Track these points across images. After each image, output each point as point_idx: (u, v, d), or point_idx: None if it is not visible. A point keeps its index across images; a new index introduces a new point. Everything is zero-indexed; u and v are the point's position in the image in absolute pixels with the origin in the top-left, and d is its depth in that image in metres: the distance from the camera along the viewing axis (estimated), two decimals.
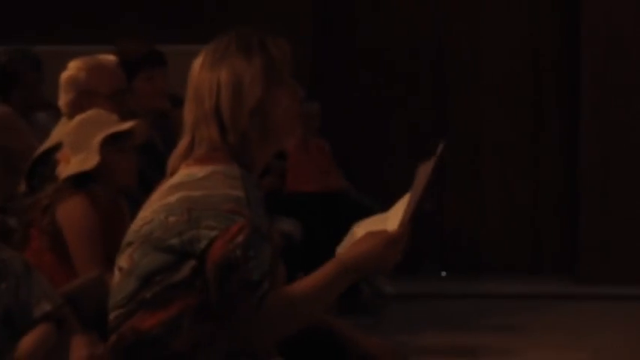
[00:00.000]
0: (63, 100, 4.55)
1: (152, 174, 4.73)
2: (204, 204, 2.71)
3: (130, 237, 2.83)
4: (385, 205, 3.02)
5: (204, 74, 2.85)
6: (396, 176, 7.38)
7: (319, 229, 6.31)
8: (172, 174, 2.87)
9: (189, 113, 2.87)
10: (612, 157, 7.31)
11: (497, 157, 7.68)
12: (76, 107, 4.44)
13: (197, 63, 2.88)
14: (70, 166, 3.87)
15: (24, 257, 2.92)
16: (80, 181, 3.84)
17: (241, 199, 2.72)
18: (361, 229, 2.97)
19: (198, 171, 2.78)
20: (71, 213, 3.77)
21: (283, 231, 5.52)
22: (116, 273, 2.86)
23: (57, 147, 4.16)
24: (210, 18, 7.24)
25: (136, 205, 4.00)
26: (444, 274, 7.73)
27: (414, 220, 2.83)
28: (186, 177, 2.78)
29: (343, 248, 2.94)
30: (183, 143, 2.88)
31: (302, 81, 2.98)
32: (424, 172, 2.82)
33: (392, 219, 2.86)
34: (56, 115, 5.97)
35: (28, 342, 2.73)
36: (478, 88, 7.67)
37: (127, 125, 3.95)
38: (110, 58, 4.72)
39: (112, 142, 3.88)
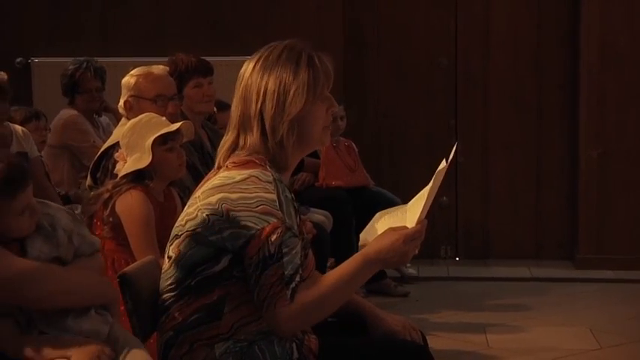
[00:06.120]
0: (120, 102, 4.60)
1: (201, 167, 4.76)
2: (241, 205, 2.67)
3: (177, 230, 2.81)
4: (404, 199, 3.00)
5: (254, 77, 2.77)
6: (414, 173, 7.35)
7: (347, 220, 6.28)
8: (219, 166, 2.84)
9: (236, 110, 2.81)
10: (608, 157, 7.24)
11: (504, 156, 7.62)
12: (127, 108, 4.54)
13: (249, 64, 2.81)
14: (126, 164, 3.88)
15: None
16: (136, 177, 3.84)
17: (274, 202, 2.68)
18: (382, 218, 2.95)
19: (237, 174, 2.73)
20: (129, 205, 3.77)
21: (316, 221, 5.48)
22: (165, 260, 2.85)
23: (117, 144, 4.17)
24: (252, 33, 7.21)
25: (188, 194, 4.02)
26: (457, 259, 7.69)
27: (430, 214, 2.81)
28: (225, 179, 2.74)
29: (365, 233, 2.93)
30: (229, 138, 2.83)
31: (335, 88, 2.92)
32: (440, 174, 2.77)
33: (411, 212, 2.83)
34: (116, 117, 6.00)
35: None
36: (488, 94, 7.61)
37: (174, 126, 3.93)
38: (161, 67, 4.74)
39: (161, 142, 3.88)
